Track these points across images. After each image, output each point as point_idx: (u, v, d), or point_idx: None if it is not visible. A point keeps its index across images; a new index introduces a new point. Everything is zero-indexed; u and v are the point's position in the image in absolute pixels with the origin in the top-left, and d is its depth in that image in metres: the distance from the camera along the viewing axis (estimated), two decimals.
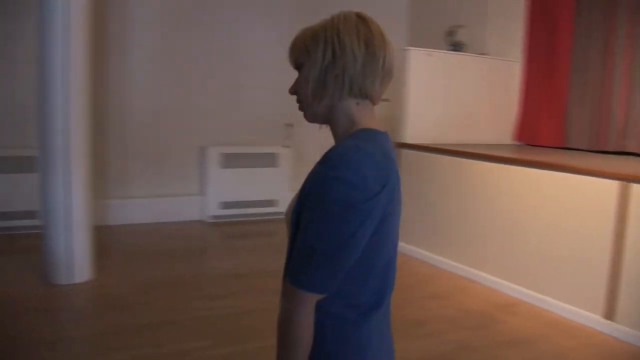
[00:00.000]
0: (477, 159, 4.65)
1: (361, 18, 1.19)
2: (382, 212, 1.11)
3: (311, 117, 1.25)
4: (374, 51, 1.17)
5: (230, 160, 6.23)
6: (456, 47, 5.90)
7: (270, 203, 6.43)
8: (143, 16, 5.85)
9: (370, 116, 1.22)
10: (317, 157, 1.16)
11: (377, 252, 1.15)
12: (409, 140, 5.27)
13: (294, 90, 1.25)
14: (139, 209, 5.99)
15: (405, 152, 5.27)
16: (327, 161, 1.10)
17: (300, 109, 1.25)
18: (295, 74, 1.26)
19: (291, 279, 1.11)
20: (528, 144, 5.79)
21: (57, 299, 3.96)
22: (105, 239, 5.10)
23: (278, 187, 6.44)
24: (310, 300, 1.11)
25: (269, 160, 6.43)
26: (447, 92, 5.45)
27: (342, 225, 1.07)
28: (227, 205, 6.26)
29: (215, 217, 6.23)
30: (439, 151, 4.98)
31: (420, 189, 5.15)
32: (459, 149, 4.84)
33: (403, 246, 5.19)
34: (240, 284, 4.35)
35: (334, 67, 1.16)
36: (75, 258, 4.14)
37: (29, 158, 5.25)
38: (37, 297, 3.92)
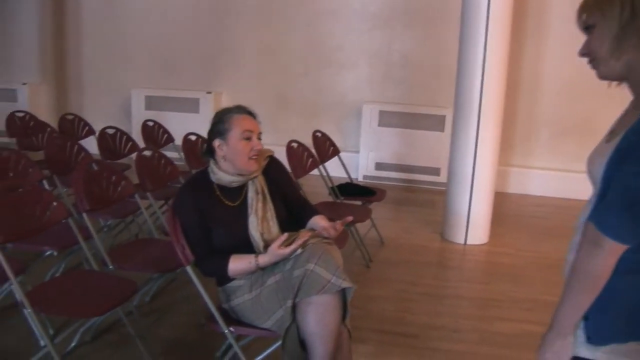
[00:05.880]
0: None
1: None
2: None
3: (605, 74, 1.23)
4: None
5: None
6: None
7: None
8: None
9: None
10: None
11: None
12: None
13: (585, 51, 1.24)
14: (537, 180, 5.75)
15: None
16: None
17: (593, 67, 1.24)
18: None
19: (600, 226, 1.11)
20: None
21: (451, 256, 4.16)
22: (502, 206, 5.06)
23: None
24: (613, 249, 1.10)
25: None
26: None
27: None
28: None
29: None
30: None
31: None
32: None
33: None
34: None
35: (634, 23, 1.15)
36: (475, 220, 4.23)
37: (437, 117, 5.67)
38: (432, 251, 4.20)
